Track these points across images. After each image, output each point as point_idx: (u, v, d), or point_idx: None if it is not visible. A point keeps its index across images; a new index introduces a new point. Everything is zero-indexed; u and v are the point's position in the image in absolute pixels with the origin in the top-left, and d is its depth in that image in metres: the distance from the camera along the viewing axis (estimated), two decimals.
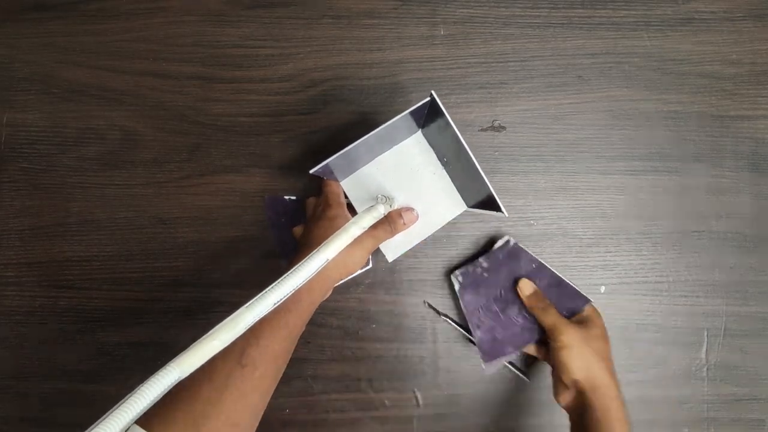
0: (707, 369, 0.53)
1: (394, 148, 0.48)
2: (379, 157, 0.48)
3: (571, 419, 0.45)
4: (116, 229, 0.52)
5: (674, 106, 0.55)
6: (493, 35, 0.55)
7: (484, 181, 0.40)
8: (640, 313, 0.53)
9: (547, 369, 0.53)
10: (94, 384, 0.51)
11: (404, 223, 0.45)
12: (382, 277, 0.53)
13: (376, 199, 0.46)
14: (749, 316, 0.53)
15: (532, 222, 0.54)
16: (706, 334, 0.53)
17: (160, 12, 0.54)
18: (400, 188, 0.48)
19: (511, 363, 0.52)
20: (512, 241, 0.51)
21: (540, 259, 0.50)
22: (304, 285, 0.39)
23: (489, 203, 0.42)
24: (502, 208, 0.40)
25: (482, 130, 0.54)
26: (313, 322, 0.52)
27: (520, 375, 0.52)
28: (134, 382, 0.30)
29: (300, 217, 0.52)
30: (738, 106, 0.55)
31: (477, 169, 0.40)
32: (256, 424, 0.37)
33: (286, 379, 0.52)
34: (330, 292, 0.45)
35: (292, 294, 0.39)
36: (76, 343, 0.52)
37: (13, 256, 0.52)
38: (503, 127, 0.54)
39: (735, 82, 0.55)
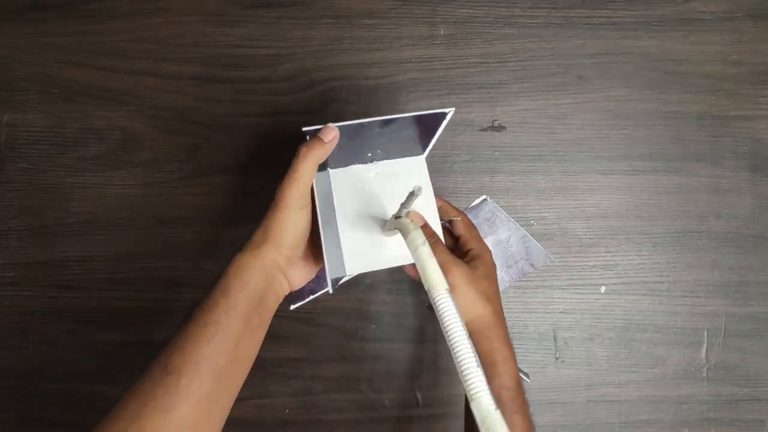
0: (707, 369, 0.53)
1: (395, 160, 0.44)
2: (379, 162, 0.44)
3: None
4: (116, 229, 0.52)
5: (674, 106, 0.55)
6: (493, 35, 0.55)
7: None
8: (640, 313, 0.53)
9: (547, 368, 0.53)
10: (94, 384, 0.51)
11: (327, 143, 0.37)
12: (382, 277, 0.53)
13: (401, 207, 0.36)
14: (749, 316, 0.53)
15: (532, 222, 0.54)
16: (706, 334, 0.53)
17: (160, 12, 0.54)
18: (388, 205, 0.43)
19: None
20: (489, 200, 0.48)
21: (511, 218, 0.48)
22: (231, 268, 0.35)
23: None
24: None
25: (482, 130, 0.54)
26: (313, 322, 0.52)
27: (520, 375, 0.52)
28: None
29: None
30: (738, 106, 0.55)
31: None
32: None
33: (285, 380, 0.52)
34: (284, 284, 0.39)
35: (219, 286, 0.35)
36: (76, 343, 0.51)
37: (13, 256, 0.52)
38: (503, 127, 0.54)
39: (735, 82, 0.55)
